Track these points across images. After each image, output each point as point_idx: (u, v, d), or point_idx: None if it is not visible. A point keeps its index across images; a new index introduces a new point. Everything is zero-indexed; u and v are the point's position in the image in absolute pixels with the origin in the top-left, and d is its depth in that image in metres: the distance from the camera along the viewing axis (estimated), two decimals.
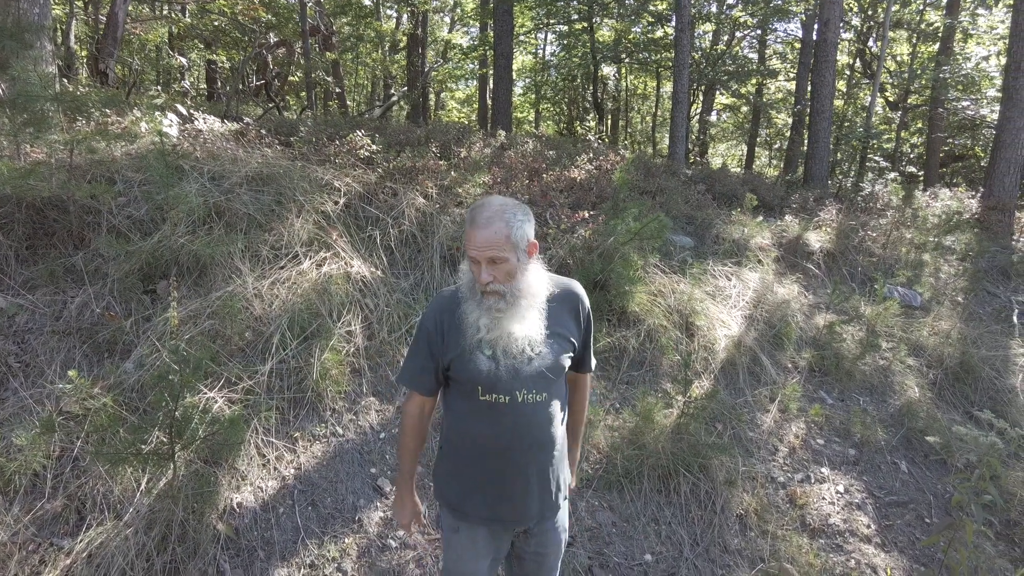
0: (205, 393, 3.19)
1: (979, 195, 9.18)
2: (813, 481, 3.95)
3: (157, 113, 5.06)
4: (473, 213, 1.76)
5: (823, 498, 3.83)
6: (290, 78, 11.93)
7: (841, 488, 3.95)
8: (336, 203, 4.69)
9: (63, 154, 4.03)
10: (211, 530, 2.75)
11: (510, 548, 2.00)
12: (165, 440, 2.72)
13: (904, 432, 4.49)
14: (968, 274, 7.09)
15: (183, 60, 11.23)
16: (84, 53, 11.21)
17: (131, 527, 2.62)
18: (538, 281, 1.84)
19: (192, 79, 15.20)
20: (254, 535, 2.86)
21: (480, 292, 1.78)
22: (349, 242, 4.47)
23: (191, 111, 5.65)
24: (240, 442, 3.04)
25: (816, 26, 10.29)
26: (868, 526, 3.70)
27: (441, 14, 18.05)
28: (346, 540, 2.97)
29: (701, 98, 15.87)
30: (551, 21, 16.15)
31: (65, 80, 5.92)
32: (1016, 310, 6.52)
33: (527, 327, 1.78)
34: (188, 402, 2.68)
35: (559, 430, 1.92)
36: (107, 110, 4.86)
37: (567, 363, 1.87)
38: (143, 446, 2.70)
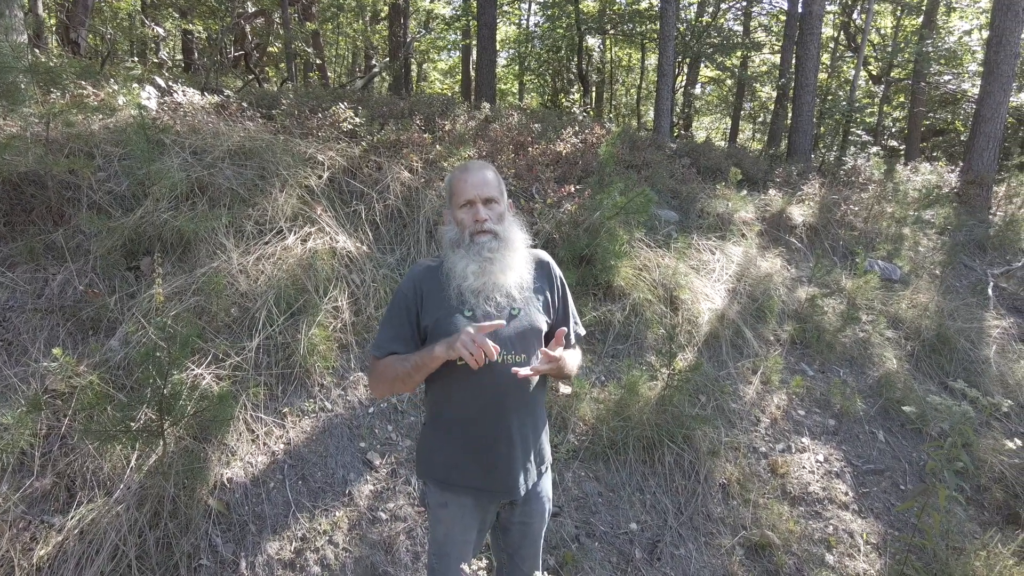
0: (193, 370, 3.18)
1: (958, 169, 9.28)
2: (794, 451, 4.06)
3: (135, 85, 4.94)
4: (463, 166, 1.92)
5: (803, 467, 3.93)
6: (269, 49, 11.67)
7: (821, 457, 4.06)
8: (320, 177, 4.64)
9: (39, 128, 3.93)
10: (202, 505, 2.77)
11: (495, 519, 2.03)
12: (154, 417, 2.72)
13: (882, 403, 4.61)
14: (946, 247, 7.22)
15: (160, 30, 10.90)
16: (53, 21, 10.85)
17: (122, 503, 2.63)
18: (519, 234, 1.93)
19: (168, 49, 14.80)
20: (245, 510, 2.88)
21: (470, 236, 1.84)
22: (334, 217, 4.43)
23: (169, 83, 5.52)
24: (229, 418, 3.05)
25: None
26: (846, 493, 3.82)
27: None
28: (337, 513, 3.01)
29: (686, 71, 15.78)
30: None
31: (36, 50, 5.74)
32: (991, 283, 6.66)
33: (513, 276, 1.85)
34: (176, 379, 2.67)
35: (540, 397, 1.97)
36: (82, 82, 4.73)
37: (544, 326, 1.92)
38: (132, 423, 2.69)
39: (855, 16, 15.45)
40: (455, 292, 1.82)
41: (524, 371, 1.70)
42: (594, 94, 18.22)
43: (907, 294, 5.93)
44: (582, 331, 2.12)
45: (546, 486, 2.07)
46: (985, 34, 11.17)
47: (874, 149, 10.48)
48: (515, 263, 1.86)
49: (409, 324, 1.85)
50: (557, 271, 2.03)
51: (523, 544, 2.06)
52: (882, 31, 17.15)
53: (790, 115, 10.61)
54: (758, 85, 16.58)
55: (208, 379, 3.19)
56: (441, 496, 1.94)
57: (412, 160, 5.19)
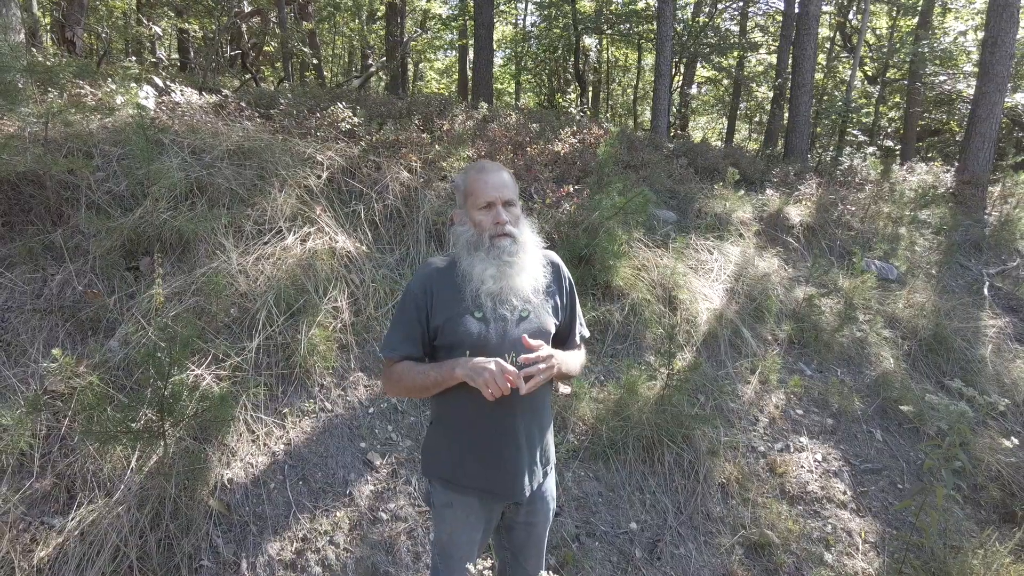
0: (193, 370, 3.18)
1: (954, 169, 9.32)
2: (792, 450, 4.07)
3: (133, 84, 4.92)
4: (479, 165, 1.90)
5: (801, 466, 3.95)
6: (265, 48, 11.63)
7: (819, 456, 4.07)
8: (319, 177, 4.63)
9: (37, 127, 3.91)
10: (203, 506, 2.77)
11: (499, 519, 2.03)
12: (154, 418, 2.71)
13: (879, 402, 4.63)
14: (942, 247, 7.25)
15: (157, 29, 10.86)
16: (48, 20, 10.81)
17: (123, 504, 2.63)
18: (533, 236, 1.93)
19: (164, 49, 14.75)
20: (246, 510, 2.88)
21: (490, 239, 1.83)
22: (333, 217, 4.43)
23: (167, 83, 5.51)
24: (229, 419, 3.05)
25: None
26: (844, 492, 3.83)
27: None
28: (337, 514, 3.01)
29: (682, 71, 15.80)
30: None
31: (33, 49, 5.71)
32: (987, 282, 6.69)
33: (529, 279, 1.85)
34: (176, 379, 2.66)
35: (545, 397, 1.97)
36: (79, 81, 4.72)
37: (552, 328, 1.92)
38: (132, 424, 2.69)
39: (851, 16, 15.50)
40: (471, 295, 1.81)
41: (525, 386, 1.69)
42: (591, 94, 18.23)
43: (904, 294, 5.95)
44: (586, 333, 2.13)
45: (551, 486, 2.07)
46: (980, 35, 11.22)
47: (870, 149, 10.52)
48: (531, 265, 1.86)
49: (420, 324, 1.84)
50: (566, 273, 2.03)
51: (527, 544, 2.06)
52: (878, 31, 17.20)
53: (787, 115, 10.64)
54: (755, 85, 16.60)
55: (208, 380, 3.18)
56: (446, 496, 1.94)
57: (411, 160, 5.19)
